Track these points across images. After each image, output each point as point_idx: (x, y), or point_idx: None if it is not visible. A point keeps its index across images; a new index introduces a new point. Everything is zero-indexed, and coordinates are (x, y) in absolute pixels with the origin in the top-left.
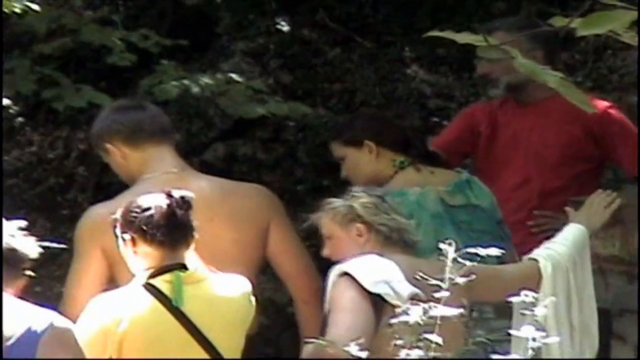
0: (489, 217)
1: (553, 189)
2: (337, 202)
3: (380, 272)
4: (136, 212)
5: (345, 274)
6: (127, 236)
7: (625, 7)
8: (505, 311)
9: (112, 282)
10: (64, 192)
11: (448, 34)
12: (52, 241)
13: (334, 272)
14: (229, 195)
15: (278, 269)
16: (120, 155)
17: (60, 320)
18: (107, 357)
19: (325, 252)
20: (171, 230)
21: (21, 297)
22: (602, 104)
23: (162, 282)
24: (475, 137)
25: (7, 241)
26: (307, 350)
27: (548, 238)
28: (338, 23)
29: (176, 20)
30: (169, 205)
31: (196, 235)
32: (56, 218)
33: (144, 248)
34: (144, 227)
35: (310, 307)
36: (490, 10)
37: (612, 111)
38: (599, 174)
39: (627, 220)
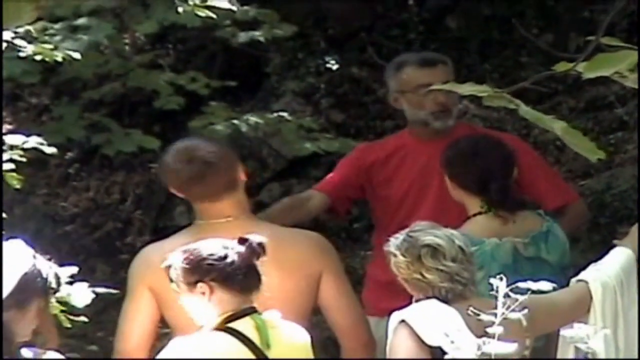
0: (553, 271)
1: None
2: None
3: (440, 321)
4: (213, 260)
5: (405, 321)
6: (202, 285)
7: (629, 48)
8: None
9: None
10: (122, 236)
11: (451, 86)
12: (112, 286)
13: (394, 318)
14: (282, 244)
15: (328, 319)
16: (182, 197)
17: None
18: None
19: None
20: (249, 276)
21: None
22: (515, 138)
23: (244, 326)
24: (362, 180)
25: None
26: None
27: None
28: (386, 60)
29: (226, 62)
30: (246, 252)
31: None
32: (115, 263)
33: (220, 294)
34: (225, 274)
35: (358, 354)
36: (536, 43)
37: (524, 145)
38: None
39: None
